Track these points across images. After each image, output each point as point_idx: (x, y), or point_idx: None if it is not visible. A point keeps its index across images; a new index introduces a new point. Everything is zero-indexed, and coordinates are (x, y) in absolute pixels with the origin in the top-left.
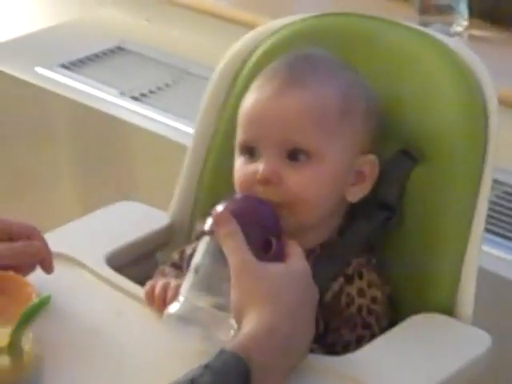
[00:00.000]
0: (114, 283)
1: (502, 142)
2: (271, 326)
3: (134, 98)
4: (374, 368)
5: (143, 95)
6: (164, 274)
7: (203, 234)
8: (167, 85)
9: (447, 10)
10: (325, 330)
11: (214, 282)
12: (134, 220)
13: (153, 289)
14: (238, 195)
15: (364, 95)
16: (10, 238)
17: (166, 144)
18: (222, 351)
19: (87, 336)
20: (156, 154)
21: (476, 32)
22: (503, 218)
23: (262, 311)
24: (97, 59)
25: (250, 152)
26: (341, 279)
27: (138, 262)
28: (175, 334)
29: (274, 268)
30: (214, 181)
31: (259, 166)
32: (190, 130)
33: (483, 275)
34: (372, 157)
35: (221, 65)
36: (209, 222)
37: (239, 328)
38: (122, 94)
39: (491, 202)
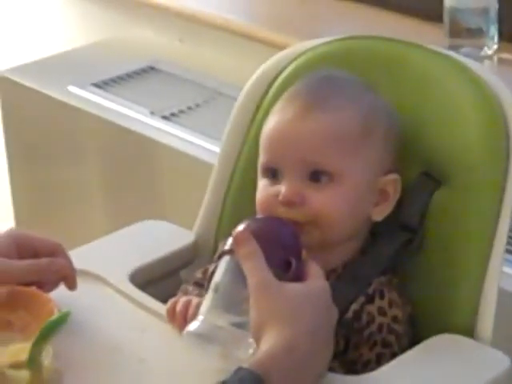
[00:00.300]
0: (136, 301)
1: None
2: (289, 344)
3: (165, 118)
4: None
5: (173, 115)
6: (187, 293)
7: (224, 253)
8: (198, 105)
9: (477, 34)
10: (345, 348)
11: (233, 300)
12: (158, 238)
13: (174, 306)
14: (259, 216)
15: (385, 116)
16: (35, 255)
17: (195, 163)
18: (240, 368)
19: (108, 352)
20: (185, 174)
21: (505, 55)
22: None
23: (281, 330)
24: (129, 79)
25: (273, 173)
26: (362, 298)
27: (162, 280)
28: (195, 351)
29: (293, 287)
30: (238, 200)
31: (281, 188)
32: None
33: (503, 296)
34: (395, 176)
35: (246, 87)
36: (229, 241)
37: (258, 347)
38: (153, 113)
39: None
